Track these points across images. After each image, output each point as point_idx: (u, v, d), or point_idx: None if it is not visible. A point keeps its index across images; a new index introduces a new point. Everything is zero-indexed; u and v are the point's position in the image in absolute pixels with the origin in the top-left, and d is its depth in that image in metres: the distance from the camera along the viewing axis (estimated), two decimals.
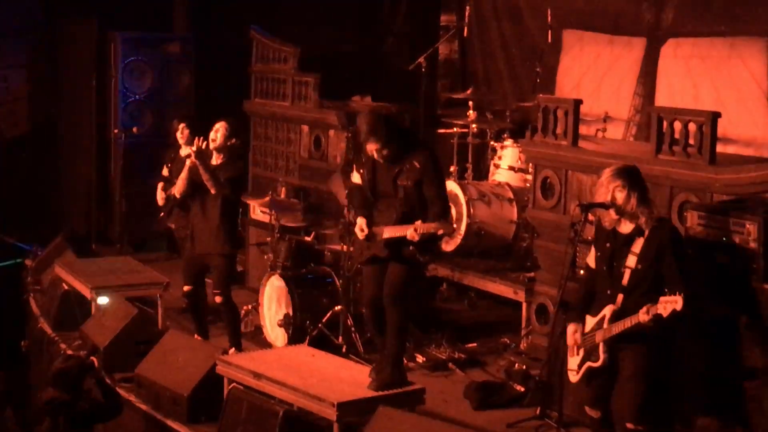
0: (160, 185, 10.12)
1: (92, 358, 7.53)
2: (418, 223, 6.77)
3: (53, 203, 13.47)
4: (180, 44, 13.24)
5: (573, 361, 6.48)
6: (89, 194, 13.17)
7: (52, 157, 13.60)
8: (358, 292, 8.96)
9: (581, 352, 6.40)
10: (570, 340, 6.48)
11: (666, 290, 5.91)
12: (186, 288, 8.69)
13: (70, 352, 8.39)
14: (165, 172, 10.15)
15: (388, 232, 6.96)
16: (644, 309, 5.98)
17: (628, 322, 6.12)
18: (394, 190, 6.99)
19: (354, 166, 7.36)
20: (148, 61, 12.99)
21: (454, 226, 6.96)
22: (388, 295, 7.04)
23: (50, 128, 13.57)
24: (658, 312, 5.92)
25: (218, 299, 8.59)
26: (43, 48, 13.32)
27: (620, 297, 6.25)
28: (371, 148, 6.94)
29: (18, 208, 12.38)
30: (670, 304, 5.87)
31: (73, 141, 13.49)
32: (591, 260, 6.56)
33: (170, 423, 7.59)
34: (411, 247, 6.90)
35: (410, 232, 6.77)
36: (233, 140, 8.65)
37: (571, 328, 6.48)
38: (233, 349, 8.69)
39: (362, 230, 7.07)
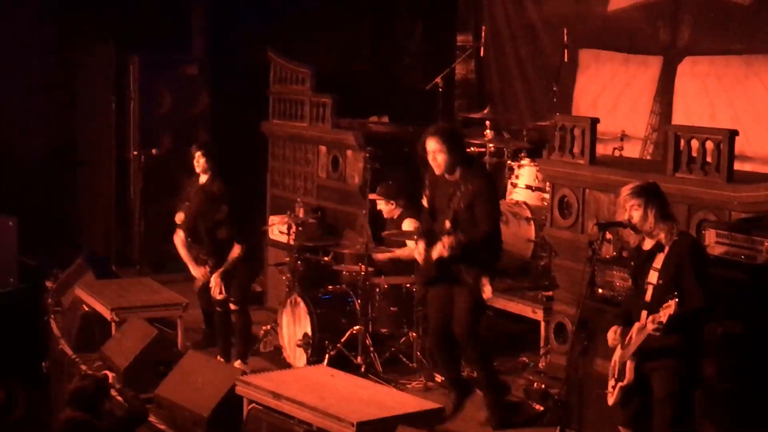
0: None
1: (105, 372, 7.54)
2: (445, 237, 6.89)
3: (73, 225, 13.52)
4: (198, 66, 13.30)
5: (609, 384, 6.46)
6: (109, 215, 13.22)
7: (72, 178, 13.66)
8: (377, 311, 8.97)
9: (615, 372, 6.38)
10: (610, 340, 6.43)
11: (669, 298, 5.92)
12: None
13: (86, 370, 8.41)
14: (179, 218, 10.01)
15: (435, 252, 7.07)
16: (649, 319, 5.98)
17: (642, 336, 6.11)
18: (448, 210, 7.10)
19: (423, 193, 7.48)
20: (166, 83, 13.05)
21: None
22: (461, 334, 7.22)
23: (70, 150, 13.62)
24: (659, 319, 5.92)
25: (233, 307, 8.67)
26: (63, 70, 13.39)
27: (644, 314, 6.23)
28: (430, 147, 7.08)
29: (38, 230, 12.41)
30: (666, 309, 5.88)
31: (92, 162, 13.55)
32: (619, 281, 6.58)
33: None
34: (472, 273, 7.04)
35: (439, 248, 6.93)
36: (215, 185, 9.07)
37: (611, 330, 6.44)
38: (239, 361, 8.75)
39: (420, 254, 7.25)
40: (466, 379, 7.69)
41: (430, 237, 7.25)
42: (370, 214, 9.29)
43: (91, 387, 6.92)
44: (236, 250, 9.12)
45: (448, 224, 6.94)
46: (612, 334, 6.43)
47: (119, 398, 7.25)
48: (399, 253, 9.23)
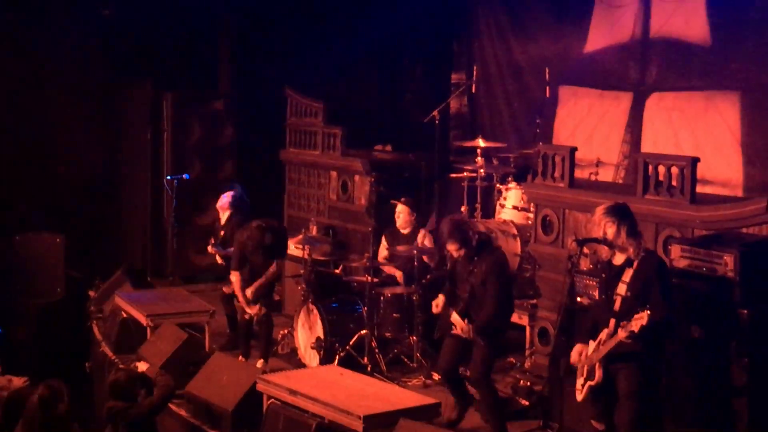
0: (212, 249, 10.28)
1: (135, 363, 7.54)
2: (468, 327, 7.13)
3: (114, 241, 13.51)
4: (224, 101, 13.29)
5: (579, 382, 6.44)
6: (145, 233, 13.19)
7: (113, 200, 13.65)
8: (381, 317, 8.95)
9: (584, 372, 6.36)
10: (573, 359, 6.43)
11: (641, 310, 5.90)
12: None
13: (119, 365, 8.40)
14: (218, 259, 10.24)
15: (454, 320, 7.28)
16: (624, 328, 5.96)
17: (612, 342, 6.10)
18: (466, 283, 7.28)
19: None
20: (195, 117, 13.05)
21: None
22: (474, 378, 7.29)
23: (112, 175, 13.62)
24: (631, 329, 5.90)
25: (263, 310, 8.84)
26: (106, 107, 13.41)
27: (612, 321, 6.21)
28: (450, 248, 7.29)
29: (83, 246, 12.42)
30: (638, 320, 5.87)
31: (131, 186, 13.54)
32: (595, 291, 6.54)
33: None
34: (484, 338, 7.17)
35: (459, 324, 7.17)
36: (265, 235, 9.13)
37: (576, 349, 6.44)
38: (261, 361, 8.74)
39: (436, 306, 7.44)
40: (469, 395, 7.68)
41: (450, 296, 7.46)
42: (375, 231, 9.25)
43: (123, 378, 6.92)
44: (273, 268, 9.19)
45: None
46: (576, 355, 6.41)
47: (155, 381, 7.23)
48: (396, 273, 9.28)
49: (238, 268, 9.21)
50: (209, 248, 10.32)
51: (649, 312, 5.82)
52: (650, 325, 5.86)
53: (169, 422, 8.16)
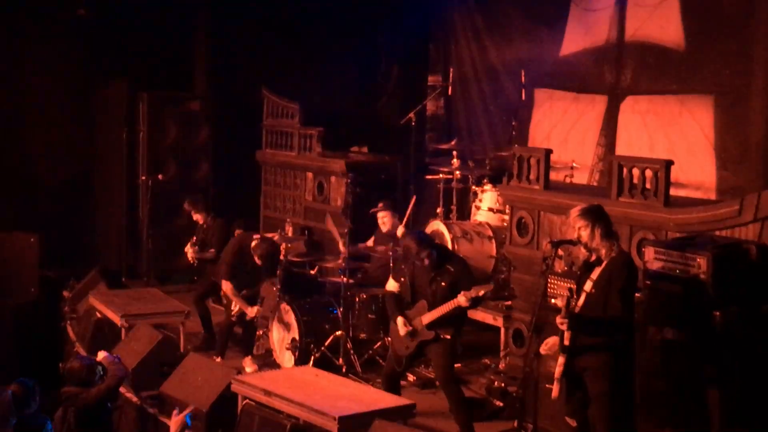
0: (190, 248, 10.32)
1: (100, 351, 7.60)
2: (464, 292, 7.13)
3: (88, 242, 13.44)
4: (200, 102, 13.25)
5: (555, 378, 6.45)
6: (120, 234, 13.13)
7: (88, 200, 13.58)
8: (357, 319, 8.95)
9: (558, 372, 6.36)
10: (543, 350, 6.51)
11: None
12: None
13: (78, 351, 8.39)
14: (190, 259, 10.39)
15: (429, 317, 7.31)
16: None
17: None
18: (429, 289, 7.36)
19: (391, 276, 7.80)
20: (171, 117, 13.00)
21: (491, 284, 7.62)
22: (442, 378, 7.39)
23: (86, 175, 13.55)
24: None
25: (260, 311, 9.16)
26: (81, 106, 13.34)
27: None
28: (424, 256, 7.36)
29: (58, 246, 12.34)
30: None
31: (106, 187, 13.47)
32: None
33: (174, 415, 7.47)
34: (448, 330, 7.28)
35: (461, 298, 7.13)
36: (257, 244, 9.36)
37: (546, 341, 6.51)
38: (249, 357, 8.80)
39: (405, 326, 7.40)
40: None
41: (403, 314, 7.48)
42: (351, 232, 9.26)
43: (77, 365, 7.08)
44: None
45: (483, 289, 7.24)
46: (544, 346, 6.48)
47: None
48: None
49: (229, 278, 9.27)
50: (188, 247, 10.28)
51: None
52: (607, 320, 5.96)
53: (144, 423, 8.13)
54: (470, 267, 7.77)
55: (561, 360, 6.16)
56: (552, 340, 6.44)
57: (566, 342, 6.11)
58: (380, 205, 9.63)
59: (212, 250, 10.26)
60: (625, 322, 6.14)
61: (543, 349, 6.50)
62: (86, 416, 6.89)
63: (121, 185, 13.07)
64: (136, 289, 11.12)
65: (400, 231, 9.37)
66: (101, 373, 7.15)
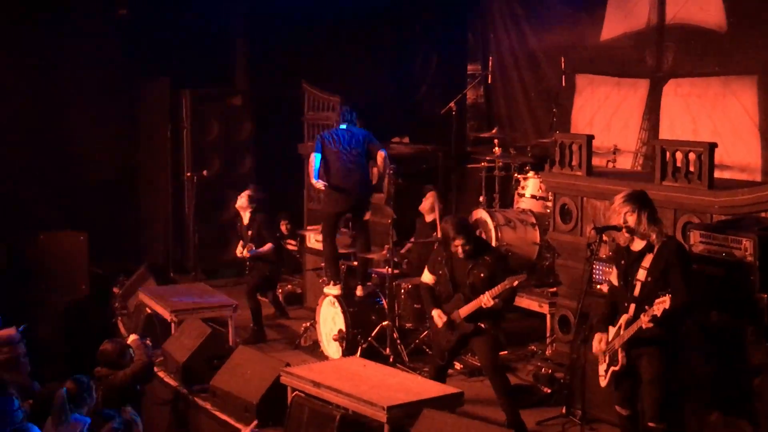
0: (242, 248, 10.41)
1: (132, 335, 7.74)
2: (486, 292, 7.07)
3: (136, 238, 13.58)
4: (241, 97, 13.35)
5: (601, 368, 6.46)
6: (167, 229, 13.27)
7: (135, 198, 13.73)
8: (402, 309, 8.99)
9: (607, 358, 6.37)
10: (595, 348, 6.45)
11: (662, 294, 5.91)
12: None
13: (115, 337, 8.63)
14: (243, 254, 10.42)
15: (466, 310, 7.24)
16: (645, 313, 5.98)
17: (634, 327, 6.11)
18: (466, 280, 7.28)
19: (426, 267, 7.62)
20: (214, 113, 13.11)
21: (524, 274, 7.37)
22: (487, 368, 7.36)
23: (132, 173, 13.70)
24: (653, 313, 5.91)
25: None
26: (125, 105, 13.48)
27: (632, 307, 6.22)
28: (458, 243, 7.25)
29: (106, 243, 12.50)
30: (661, 304, 5.88)
31: (151, 183, 13.61)
32: (613, 278, 6.53)
33: (241, 427, 7.63)
34: (488, 320, 7.23)
35: (485, 299, 7.07)
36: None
37: (596, 337, 6.45)
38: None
39: (441, 317, 7.33)
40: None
41: (440, 305, 7.42)
42: (394, 222, 9.30)
43: (110, 348, 7.38)
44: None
45: (509, 283, 7.12)
46: (597, 343, 6.42)
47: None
48: None
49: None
50: (241, 251, 10.31)
51: (670, 296, 5.83)
52: (671, 309, 5.88)
53: (196, 416, 8.24)
54: (507, 259, 7.67)
55: (622, 351, 6.19)
56: (601, 338, 6.40)
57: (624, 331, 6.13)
58: (431, 186, 9.73)
59: (269, 244, 10.28)
60: (692, 306, 6.12)
61: (597, 346, 6.44)
62: (112, 397, 7.05)
63: (167, 182, 13.20)
64: (184, 284, 11.25)
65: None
66: (132, 355, 7.34)
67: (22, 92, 12.58)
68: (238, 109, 13.24)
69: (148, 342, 7.74)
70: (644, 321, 6.00)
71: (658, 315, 5.90)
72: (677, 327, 6.16)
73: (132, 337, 7.81)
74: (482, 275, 7.22)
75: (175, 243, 13.16)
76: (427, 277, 7.57)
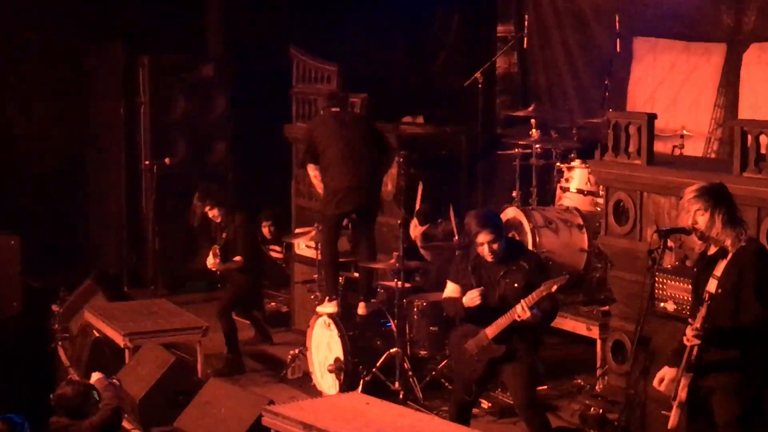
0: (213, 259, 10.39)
1: (93, 374, 7.73)
2: (522, 300, 7.01)
3: (81, 242, 13.62)
4: (214, 66, 13.37)
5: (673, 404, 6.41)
6: (120, 232, 13.30)
7: (79, 191, 13.75)
8: (415, 332, 8.97)
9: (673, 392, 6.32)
10: (656, 384, 6.37)
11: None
12: None
13: (72, 376, 8.51)
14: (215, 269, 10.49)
15: (493, 329, 7.20)
16: (688, 328, 5.96)
17: (687, 349, 6.05)
18: (496, 291, 7.24)
19: (449, 279, 7.57)
20: (179, 86, 13.12)
21: (565, 275, 7.31)
22: (521, 404, 7.33)
23: (77, 161, 13.72)
24: (695, 325, 5.89)
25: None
26: (67, 74, 13.49)
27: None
28: (483, 239, 7.20)
29: (44, 249, 12.51)
30: (699, 313, 5.88)
31: (101, 175, 13.65)
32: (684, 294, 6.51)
33: None
34: (523, 344, 7.23)
35: (519, 310, 7.02)
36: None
37: (660, 372, 6.36)
38: None
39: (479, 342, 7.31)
40: None
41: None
42: (405, 223, 9.29)
43: (69, 392, 7.19)
44: None
45: (547, 288, 7.07)
46: (658, 381, 6.35)
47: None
48: None
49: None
50: (211, 258, 10.28)
51: (708, 302, 5.83)
52: (740, 329, 5.83)
53: None
54: (547, 264, 7.64)
55: (684, 381, 6.11)
56: (667, 374, 6.32)
57: (693, 358, 6.04)
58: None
59: (238, 257, 10.28)
60: (766, 328, 6.07)
61: (658, 385, 6.37)
62: None
63: (120, 172, 13.24)
64: (141, 300, 11.26)
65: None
66: (96, 399, 7.30)
67: None
68: (209, 81, 13.27)
69: (114, 381, 7.69)
70: (689, 336, 5.95)
71: (699, 327, 5.87)
72: (757, 353, 6.10)
73: (95, 376, 7.74)
74: (516, 284, 7.19)
75: (130, 249, 13.18)
76: (451, 288, 7.51)
